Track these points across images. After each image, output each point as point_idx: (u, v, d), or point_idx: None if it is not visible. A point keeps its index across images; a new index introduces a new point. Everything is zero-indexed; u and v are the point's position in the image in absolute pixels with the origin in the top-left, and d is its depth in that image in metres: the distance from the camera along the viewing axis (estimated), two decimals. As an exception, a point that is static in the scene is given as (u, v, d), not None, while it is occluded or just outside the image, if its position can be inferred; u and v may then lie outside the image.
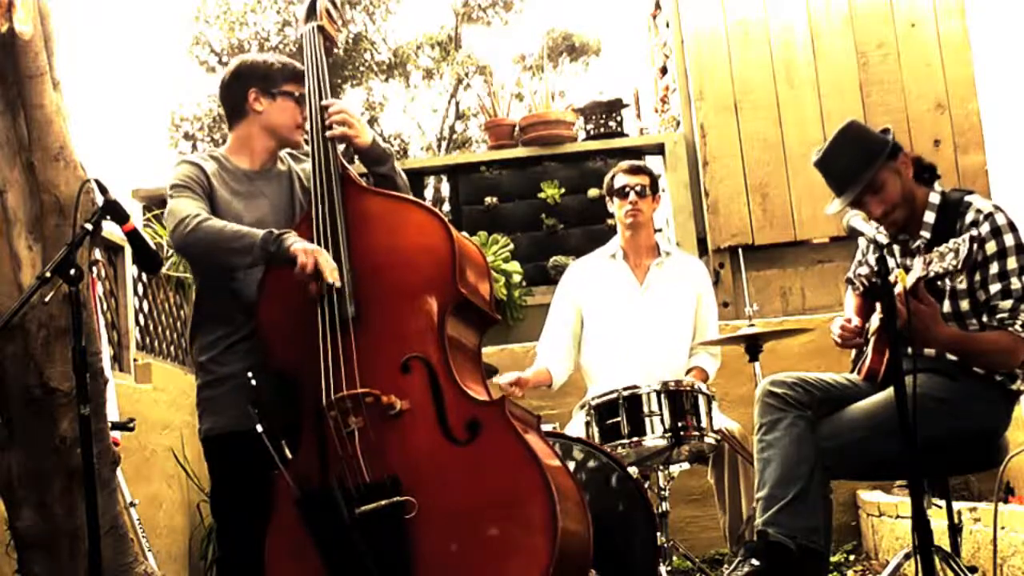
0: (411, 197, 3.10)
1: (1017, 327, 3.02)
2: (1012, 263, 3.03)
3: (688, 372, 4.21)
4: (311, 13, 3.21)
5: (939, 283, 3.03)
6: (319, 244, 2.90)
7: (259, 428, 2.74)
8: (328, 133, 3.06)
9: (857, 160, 3.16)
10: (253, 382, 2.85)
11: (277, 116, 3.18)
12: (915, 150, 5.87)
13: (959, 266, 2.72)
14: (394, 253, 2.92)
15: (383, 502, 2.67)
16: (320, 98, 3.10)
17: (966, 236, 2.72)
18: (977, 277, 3.06)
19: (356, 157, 3.22)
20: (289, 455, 2.78)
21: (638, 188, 4.27)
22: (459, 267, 2.84)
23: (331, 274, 2.80)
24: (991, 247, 3.04)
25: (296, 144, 3.25)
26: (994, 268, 3.04)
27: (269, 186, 3.20)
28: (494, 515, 2.63)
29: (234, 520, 3.06)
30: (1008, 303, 3.03)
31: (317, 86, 3.12)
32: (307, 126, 3.19)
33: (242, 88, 3.19)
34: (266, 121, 3.19)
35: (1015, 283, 3.03)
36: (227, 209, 3.09)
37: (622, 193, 4.29)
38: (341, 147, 3.12)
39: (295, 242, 2.84)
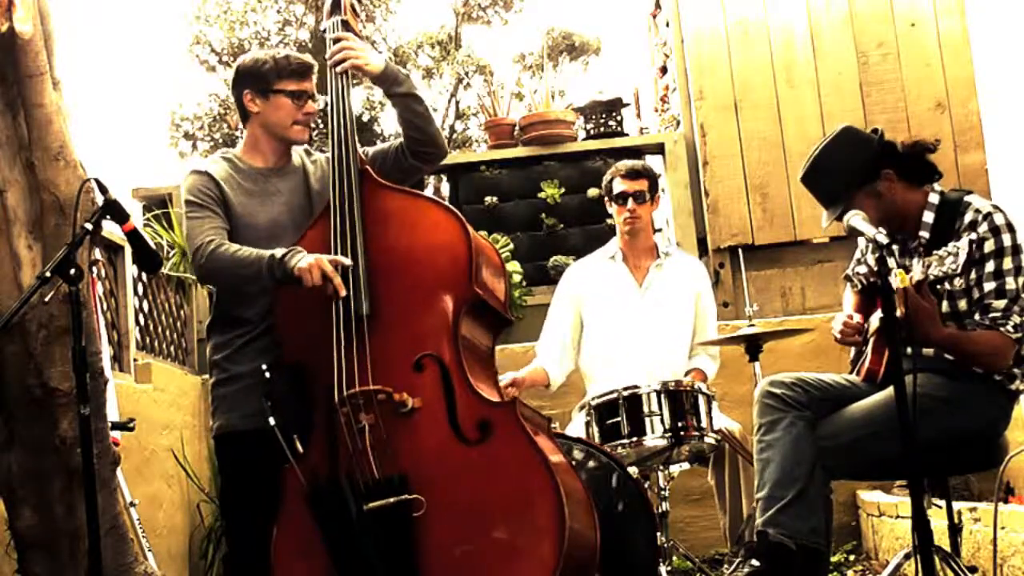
0: (430, 195, 3.11)
1: (1009, 328, 3.02)
2: (1008, 263, 3.03)
3: (687, 374, 4.21)
4: (336, 7, 3.21)
5: (939, 286, 3.03)
6: (336, 241, 2.92)
7: (272, 421, 2.75)
8: (337, 69, 3.09)
9: (832, 187, 3.17)
10: (267, 375, 2.87)
11: (272, 115, 3.19)
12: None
13: (959, 270, 2.72)
14: (411, 251, 2.93)
15: (391, 499, 2.68)
16: (341, 93, 3.10)
17: (966, 240, 2.72)
18: (973, 275, 3.06)
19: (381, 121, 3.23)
20: (300, 450, 2.79)
21: (636, 194, 4.25)
22: (475, 267, 2.85)
23: (339, 286, 2.82)
24: (989, 246, 3.03)
25: (298, 141, 3.25)
26: (990, 267, 3.04)
27: (284, 183, 3.21)
28: (502, 516, 2.64)
29: (243, 518, 3.08)
30: (1002, 303, 3.03)
31: (339, 82, 3.12)
32: (306, 121, 3.21)
33: (239, 91, 3.22)
34: (264, 121, 3.21)
35: (1010, 283, 3.03)
36: (242, 211, 3.12)
37: (620, 199, 4.27)
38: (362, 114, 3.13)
39: (298, 261, 2.85)
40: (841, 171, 3.17)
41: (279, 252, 2.90)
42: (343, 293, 2.83)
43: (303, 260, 2.85)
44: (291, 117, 3.18)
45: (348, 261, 2.86)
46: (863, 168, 3.15)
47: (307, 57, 3.24)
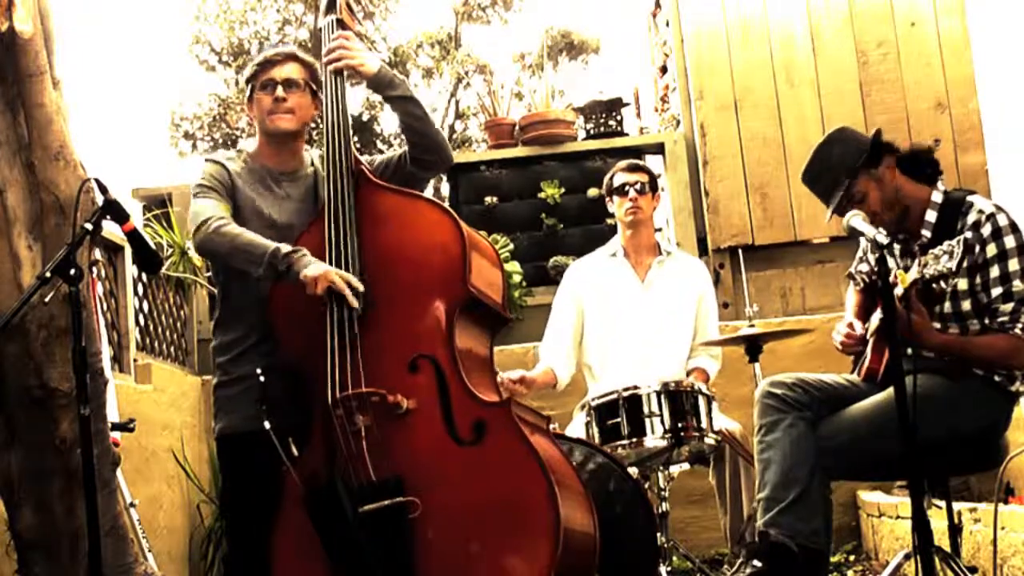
0: (424, 195, 3.11)
1: (1018, 330, 3.01)
2: (1013, 265, 3.03)
3: (688, 373, 4.21)
4: (331, 6, 3.23)
5: (935, 285, 3.03)
6: (331, 241, 2.92)
7: (267, 426, 2.75)
8: (331, 68, 3.11)
9: (829, 178, 3.16)
10: (262, 379, 2.86)
11: (256, 114, 3.25)
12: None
13: (954, 268, 2.72)
14: (405, 251, 2.92)
15: (387, 502, 2.67)
16: (336, 93, 3.10)
17: (960, 238, 2.72)
18: (978, 280, 3.06)
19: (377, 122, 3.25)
20: (296, 453, 2.78)
21: (638, 185, 4.28)
22: (470, 266, 2.84)
23: (351, 299, 2.82)
24: (992, 249, 3.03)
25: (280, 130, 3.20)
26: (995, 271, 3.03)
27: (294, 187, 3.23)
28: (498, 516, 2.63)
29: (243, 519, 3.08)
30: (1009, 306, 3.02)
31: (334, 81, 3.12)
32: (278, 108, 3.21)
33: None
34: (257, 123, 3.27)
35: (1016, 285, 3.02)
36: (251, 206, 3.14)
37: (621, 191, 4.30)
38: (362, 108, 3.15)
39: (304, 266, 2.84)
40: (843, 155, 3.16)
41: (285, 247, 2.89)
42: (356, 306, 2.82)
43: (311, 268, 2.83)
44: (265, 107, 3.20)
45: (357, 298, 2.84)
46: (864, 152, 3.16)
47: (280, 48, 3.29)
